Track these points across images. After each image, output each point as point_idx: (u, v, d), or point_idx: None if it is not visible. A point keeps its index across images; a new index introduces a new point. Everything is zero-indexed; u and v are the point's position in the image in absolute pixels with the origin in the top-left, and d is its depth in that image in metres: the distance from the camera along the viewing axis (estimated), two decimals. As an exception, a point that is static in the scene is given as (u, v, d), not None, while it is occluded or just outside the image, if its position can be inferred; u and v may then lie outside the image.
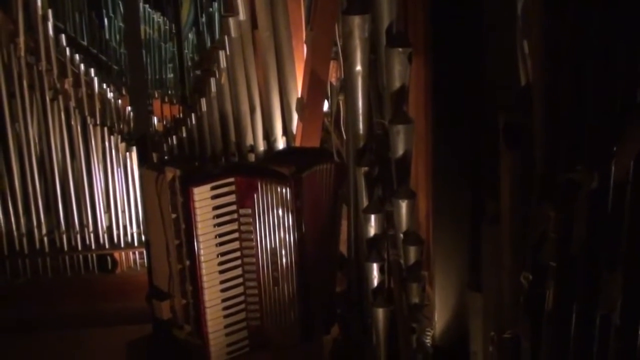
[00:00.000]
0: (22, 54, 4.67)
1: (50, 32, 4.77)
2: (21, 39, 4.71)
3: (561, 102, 1.43)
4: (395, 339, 2.46)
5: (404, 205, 2.28)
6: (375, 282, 2.50)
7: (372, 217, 2.46)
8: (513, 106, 1.60)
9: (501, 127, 1.53)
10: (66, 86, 4.78)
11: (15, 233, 4.79)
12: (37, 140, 4.74)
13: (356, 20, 2.35)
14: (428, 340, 2.39)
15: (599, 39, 1.33)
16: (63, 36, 5.04)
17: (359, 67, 2.42)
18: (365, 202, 2.50)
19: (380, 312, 2.46)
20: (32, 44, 4.80)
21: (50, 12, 4.84)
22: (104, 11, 7.20)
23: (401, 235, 2.31)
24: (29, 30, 4.80)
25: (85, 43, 6.69)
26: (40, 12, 4.75)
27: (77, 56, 4.98)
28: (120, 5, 7.30)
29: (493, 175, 1.72)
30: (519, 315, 1.62)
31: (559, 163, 1.44)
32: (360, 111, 2.49)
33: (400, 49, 2.24)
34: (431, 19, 2.37)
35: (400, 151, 2.28)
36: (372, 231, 2.48)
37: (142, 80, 4.28)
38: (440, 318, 2.39)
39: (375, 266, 2.47)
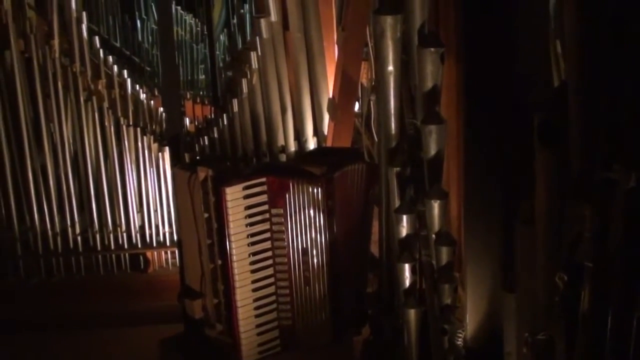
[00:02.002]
0: (57, 55, 4.72)
1: (84, 34, 4.82)
2: (56, 41, 4.76)
3: (597, 100, 1.42)
4: (426, 341, 2.45)
5: (436, 205, 2.27)
6: (407, 283, 2.49)
7: (404, 217, 2.45)
8: (548, 104, 1.59)
9: (536, 126, 1.52)
10: (100, 87, 4.82)
11: (49, 232, 4.84)
12: (71, 141, 4.79)
13: (388, 20, 2.34)
14: (460, 342, 2.38)
15: (635, 36, 1.32)
16: (97, 38, 5.09)
17: (390, 67, 2.41)
18: (397, 203, 2.49)
19: (411, 313, 2.45)
20: (67, 45, 4.84)
21: (84, 14, 4.89)
22: (137, 13, 7.25)
23: (433, 236, 2.30)
24: (64, 32, 4.85)
25: (118, 45, 6.74)
26: (74, 14, 4.80)
27: (110, 58, 5.02)
28: (153, 7, 7.35)
29: (526, 175, 1.71)
30: (554, 317, 1.61)
31: (595, 162, 1.43)
32: (392, 111, 2.48)
33: (432, 49, 2.24)
34: (463, 18, 2.36)
35: (432, 151, 2.27)
36: (403, 231, 2.47)
37: (174, 82, 4.31)
38: (472, 319, 2.38)
39: (407, 267, 2.46)
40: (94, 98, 4.74)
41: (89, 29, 4.94)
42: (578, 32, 1.49)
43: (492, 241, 2.35)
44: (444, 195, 2.27)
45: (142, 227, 4.87)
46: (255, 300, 3.07)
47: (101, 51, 4.96)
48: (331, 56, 4.50)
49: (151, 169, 4.79)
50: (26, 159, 4.74)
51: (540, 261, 1.60)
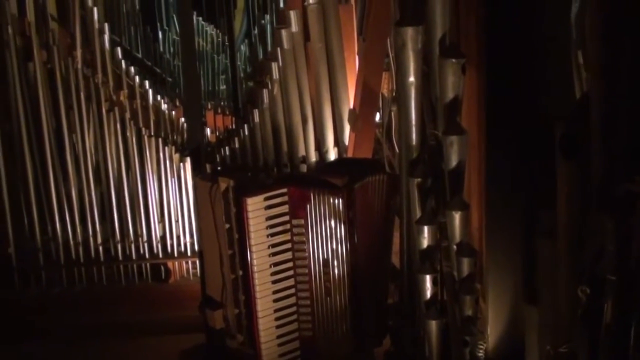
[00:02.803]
0: (79, 66, 4.75)
1: (107, 45, 4.85)
2: (78, 52, 4.79)
3: (619, 112, 1.42)
4: (447, 352, 2.44)
5: (457, 216, 2.27)
6: (428, 294, 2.48)
7: (425, 228, 2.45)
8: (570, 117, 1.59)
9: (558, 138, 1.51)
10: (121, 98, 4.84)
11: (71, 242, 4.86)
12: (93, 151, 4.81)
13: (409, 32, 2.35)
14: (481, 354, 2.37)
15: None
16: (119, 49, 5.12)
17: (411, 78, 2.41)
18: (418, 213, 2.49)
19: (432, 325, 2.44)
20: (89, 56, 4.87)
21: (106, 25, 4.92)
22: (159, 24, 7.29)
23: (454, 247, 2.30)
24: (86, 43, 4.88)
25: (140, 56, 6.77)
26: (96, 25, 4.83)
27: (132, 68, 5.05)
28: (174, 18, 7.39)
29: (548, 186, 1.70)
30: (576, 329, 1.60)
31: (617, 174, 1.42)
32: (413, 122, 2.48)
33: (453, 60, 2.24)
34: (484, 28, 2.36)
35: (453, 162, 2.27)
36: (425, 242, 2.46)
37: (196, 93, 4.32)
38: (493, 331, 2.37)
39: (428, 278, 2.46)
40: (116, 109, 4.76)
41: (111, 40, 4.97)
42: (600, 45, 1.49)
43: (513, 252, 2.34)
44: (465, 207, 2.27)
45: (163, 237, 4.88)
46: (276, 310, 3.07)
47: (123, 62, 4.99)
48: (352, 67, 4.51)
49: (172, 179, 4.80)
50: (48, 169, 4.77)
51: (562, 274, 1.60)
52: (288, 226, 3.05)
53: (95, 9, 4.88)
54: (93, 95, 4.75)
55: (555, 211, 1.66)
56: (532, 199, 2.27)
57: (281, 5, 6.31)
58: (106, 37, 4.85)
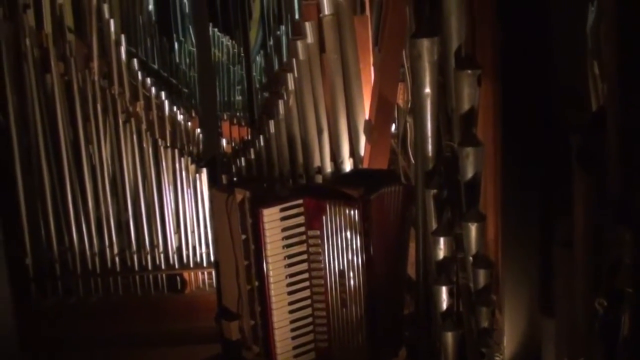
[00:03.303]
0: (96, 78, 4.78)
1: (123, 56, 4.88)
2: (95, 64, 4.82)
3: (636, 123, 1.41)
4: (464, 363, 2.44)
5: (473, 228, 2.27)
6: (445, 306, 2.48)
7: (441, 239, 2.45)
8: (587, 128, 1.59)
9: (575, 150, 1.51)
10: (138, 109, 4.86)
11: (88, 252, 4.88)
12: (109, 162, 4.83)
13: (425, 44, 2.36)
14: (497, 365, 2.37)
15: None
16: (135, 60, 5.15)
17: (427, 90, 2.42)
18: (434, 225, 2.49)
19: (449, 336, 2.44)
20: (106, 68, 4.90)
21: (122, 37, 4.95)
22: (174, 35, 7.32)
23: (470, 258, 2.30)
24: (103, 55, 4.91)
25: (156, 67, 6.81)
26: (113, 37, 4.86)
27: (148, 80, 5.07)
28: (190, 29, 7.42)
29: (564, 198, 1.70)
30: (593, 342, 1.60)
31: (634, 186, 1.42)
32: (429, 133, 2.49)
33: (469, 71, 2.24)
34: (500, 39, 2.36)
35: (469, 174, 2.28)
36: (441, 254, 2.46)
37: (212, 105, 4.34)
38: (509, 343, 2.37)
39: (444, 289, 2.46)
40: (133, 120, 4.79)
41: (127, 52, 5.00)
42: (617, 55, 1.49)
43: (529, 264, 2.34)
44: (482, 218, 2.27)
45: (179, 247, 4.89)
46: (292, 322, 3.07)
47: (139, 73, 5.01)
48: (367, 77, 4.52)
49: (188, 190, 4.81)
50: (65, 180, 4.79)
51: (579, 286, 1.59)
52: (304, 237, 3.05)
53: (112, 21, 4.91)
54: (110, 107, 4.78)
55: (571, 222, 1.65)
56: (548, 210, 2.26)
57: (296, 16, 6.35)
58: (123, 48, 4.88)
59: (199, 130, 5.16)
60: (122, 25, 6.46)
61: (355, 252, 3.00)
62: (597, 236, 1.53)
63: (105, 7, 5.05)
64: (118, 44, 4.88)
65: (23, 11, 4.71)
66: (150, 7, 7.03)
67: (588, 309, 1.57)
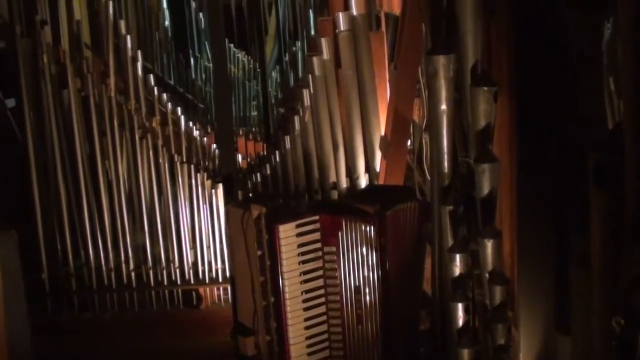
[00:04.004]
0: (113, 93, 4.81)
1: (139, 72, 4.91)
2: (112, 80, 4.85)
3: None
4: (480, 380, 2.43)
5: (489, 244, 2.26)
6: (460, 322, 2.47)
7: (457, 256, 2.45)
8: (603, 146, 1.58)
9: (592, 168, 1.51)
10: (154, 124, 4.89)
11: (104, 268, 4.89)
12: (126, 177, 4.85)
13: (441, 60, 2.36)
14: (514, 382, 2.36)
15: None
16: (151, 76, 5.17)
17: (443, 106, 2.42)
18: (450, 241, 2.49)
19: (465, 353, 2.43)
20: (122, 84, 4.93)
21: (139, 53, 4.98)
22: (190, 51, 7.36)
23: (486, 275, 2.30)
24: (119, 70, 4.94)
25: (172, 82, 6.84)
26: (130, 53, 4.89)
27: (164, 95, 5.10)
28: (206, 45, 7.45)
29: (580, 215, 1.70)
30: (610, 360, 1.59)
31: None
32: (445, 149, 2.49)
33: (485, 88, 2.25)
34: (516, 55, 2.36)
35: (485, 190, 2.28)
36: (457, 270, 2.46)
37: (228, 121, 4.35)
38: (526, 360, 2.36)
39: (460, 306, 2.45)
40: (149, 135, 4.81)
41: (143, 67, 5.03)
42: (633, 71, 1.49)
43: (545, 280, 2.33)
44: (498, 235, 2.26)
45: (194, 263, 4.90)
46: (308, 338, 3.07)
47: (155, 89, 5.04)
48: (383, 93, 4.53)
49: (204, 206, 4.82)
50: (82, 195, 4.81)
51: (596, 304, 1.59)
52: (320, 253, 3.05)
53: (128, 37, 4.95)
54: (126, 122, 4.80)
55: (588, 240, 1.65)
56: (564, 226, 2.26)
57: (312, 32, 6.37)
58: (139, 64, 4.91)
59: (214, 145, 5.17)
60: (139, 41, 6.50)
61: (371, 268, 3.00)
62: (615, 254, 1.53)
63: (122, 24, 5.10)
64: (134, 60, 4.91)
65: (41, 28, 4.75)
66: (167, 23, 7.07)
67: (605, 328, 1.56)
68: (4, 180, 4.80)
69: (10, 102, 5.09)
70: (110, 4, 5.01)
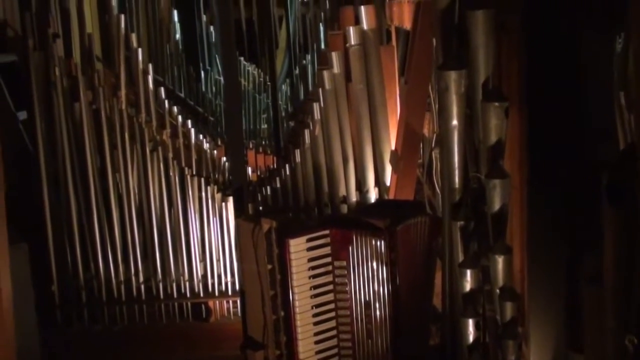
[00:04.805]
0: (124, 106, 4.82)
1: (150, 85, 4.92)
2: (123, 92, 4.86)
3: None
4: (491, 397, 2.42)
5: (500, 260, 2.26)
6: (471, 338, 2.46)
7: (468, 272, 2.44)
8: (616, 164, 1.58)
9: (604, 186, 1.51)
10: (164, 137, 4.90)
11: (113, 280, 4.89)
12: (136, 190, 4.86)
13: (452, 76, 2.36)
14: (524, 399, 2.35)
15: None
16: (162, 89, 5.19)
17: (454, 122, 2.42)
18: (460, 257, 2.48)
19: (475, 369, 2.42)
20: (133, 96, 4.95)
21: (150, 66, 5.00)
22: (201, 64, 7.39)
23: (497, 291, 2.29)
24: (130, 83, 4.96)
25: (182, 95, 6.86)
26: (140, 66, 4.91)
27: (175, 108, 5.11)
28: (216, 58, 7.48)
29: (591, 230, 1.69)
30: (623, 379, 1.58)
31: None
32: (456, 165, 2.49)
33: (496, 104, 2.25)
34: (526, 71, 2.36)
35: (496, 206, 2.27)
36: (467, 286, 2.45)
37: (239, 134, 4.35)
38: (536, 377, 2.35)
39: (471, 322, 2.44)
40: (160, 148, 4.82)
41: (154, 80, 5.05)
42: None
43: (556, 296, 2.33)
44: (509, 251, 2.26)
45: (204, 276, 4.89)
46: (318, 352, 3.07)
47: (166, 102, 5.05)
48: (393, 107, 4.54)
49: (214, 219, 4.83)
50: (92, 208, 4.82)
51: (609, 322, 1.58)
52: (330, 267, 3.06)
53: (139, 50, 4.96)
54: (137, 135, 4.81)
55: (600, 257, 1.64)
56: (575, 242, 2.25)
57: (322, 45, 6.39)
58: (150, 77, 4.93)
59: (224, 158, 5.18)
60: (150, 54, 6.53)
61: (381, 282, 3.00)
62: (628, 272, 1.52)
63: (133, 37, 5.12)
64: (145, 72, 4.92)
65: (53, 41, 4.77)
66: (177, 36, 7.10)
67: (618, 346, 1.55)
68: (15, 193, 4.81)
69: (22, 115, 5.10)
70: (122, 17, 5.04)
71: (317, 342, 3.06)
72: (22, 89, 4.88)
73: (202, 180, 4.83)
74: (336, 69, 4.51)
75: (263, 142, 7.09)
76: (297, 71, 7.39)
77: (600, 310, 1.62)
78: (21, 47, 4.91)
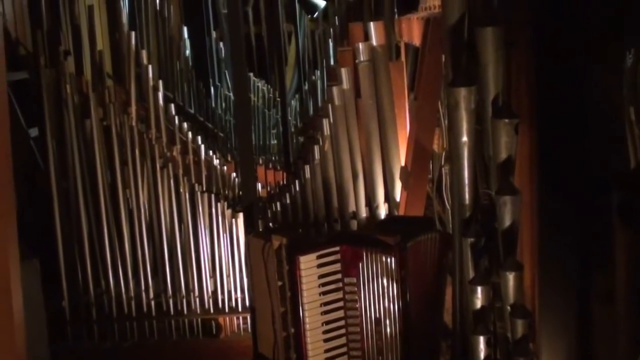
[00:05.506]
0: (134, 122, 4.83)
1: (160, 101, 4.94)
2: (133, 108, 4.88)
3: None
4: (502, 414, 2.41)
5: (511, 277, 2.26)
6: (482, 356, 2.46)
7: (479, 288, 2.44)
8: (628, 183, 1.58)
9: (616, 205, 1.51)
10: (174, 153, 4.91)
11: (124, 296, 4.90)
12: (146, 206, 4.87)
13: (462, 92, 2.37)
14: (536, 416, 2.34)
15: None
16: (172, 105, 5.21)
17: (465, 138, 2.43)
18: (471, 274, 2.48)
19: (487, 386, 2.42)
20: (143, 112, 4.96)
21: (160, 82, 5.02)
22: (211, 80, 7.41)
23: (508, 308, 2.28)
24: (141, 100, 4.98)
25: (192, 111, 6.88)
26: (151, 82, 4.93)
27: (185, 124, 5.13)
28: (226, 74, 7.50)
29: (602, 248, 1.69)
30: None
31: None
32: (466, 181, 2.49)
33: (506, 120, 2.25)
34: (536, 87, 2.37)
35: (507, 222, 2.27)
36: (478, 303, 2.45)
37: (249, 151, 4.36)
38: (548, 393, 2.34)
39: (481, 339, 2.44)
40: (170, 165, 4.83)
41: (164, 97, 5.07)
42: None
43: (567, 313, 2.32)
44: (519, 267, 2.26)
45: (214, 292, 4.89)
46: (328, 369, 3.06)
47: (176, 118, 5.07)
48: (402, 123, 4.54)
49: (224, 235, 4.83)
50: (103, 224, 4.84)
51: (621, 342, 1.58)
52: (340, 284, 3.05)
53: (150, 67, 4.98)
54: (147, 152, 4.83)
55: (612, 275, 1.64)
56: (585, 259, 2.25)
57: (331, 61, 6.40)
58: (160, 93, 4.94)
59: (234, 174, 5.19)
60: (160, 70, 6.55)
61: (391, 299, 2.99)
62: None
63: (144, 53, 5.15)
64: (156, 89, 4.94)
65: (64, 58, 4.80)
66: (187, 52, 7.13)
67: (630, 364, 1.55)
68: (27, 209, 4.82)
69: (34, 131, 5.13)
70: (133, 34, 5.06)
71: (327, 359, 3.05)
72: (34, 106, 4.91)
73: (212, 196, 4.84)
74: (345, 84, 4.52)
75: (273, 158, 7.10)
76: (306, 87, 7.40)
77: (612, 328, 1.61)
78: (33, 65, 4.94)
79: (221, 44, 7.68)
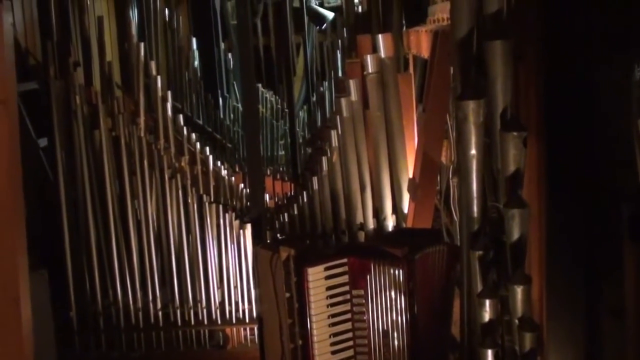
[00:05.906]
0: (143, 133, 4.85)
1: (169, 112, 4.96)
2: (142, 119, 4.90)
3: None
4: None
5: (519, 290, 2.25)
6: (490, 369, 2.45)
7: (487, 302, 2.43)
8: (636, 197, 1.58)
9: (626, 219, 1.51)
10: (183, 164, 4.92)
11: (131, 307, 4.91)
12: (155, 217, 4.88)
13: (471, 105, 2.37)
14: None
15: None
16: (181, 116, 5.22)
17: (473, 151, 2.42)
18: (479, 287, 2.48)
19: (494, 399, 2.41)
20: (152, 123, 4.98)
21: (169, 93, 5.04)
22: (219, 91, 7.43)
23: (516, 321, 2.28)
24: (149, 110, 5.00)
25: (201, 122, 6.90)
26: (160, 93, 4.95)
27: (193, 135, 5.14)
28: (235, 85, 7.53)
29: (612, 262, 1.69)
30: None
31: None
32: (475, 194, 2.48)
33: (515, 133, 2.25)
34: (544, 100, 2.37)
35: (515, 235, 2.27)
36: (486, 316, 2.44)
37: (257, 162, 4.37)
38: (556, 408, 2.33)
39: (489, 352, 2.43)
40: (178, 175, 4.84)
41: (173, 107, 5.08)
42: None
43: (575, 327, 2.31)
44: (528, 281, 2.25)
45: (222, 303, 4.90)
46: (336, 381, 3.06)
47: (185, 128, 5.08)
48: (410, 135, 4.54)
49: (232, 245, 4.84)
50: (111, 234, 4.85)
51: (630, 356, 1.57)
52: (348, 296, 3.05)
53: (158, 78, 5.00)
54: (156, 162, 4.84)
55: (621, 288, 1.64)
56: (594, 272, 2.25)
57: (339, 73, 6.42)
58: (169, 104, 4.96)
59: (242, 185, 5.20)
60: (169, 81, 6.58)
61: (399, 312, 2.99)
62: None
63: (153, 64, 5.18)
64: (164, 100, 4.96)
65: (73, 69, 4.83)
66: (196, 63, 7.15)
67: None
68: (35, 219, 4.84)
69: (43, 142, 5.15)
70: (142, 45, 5.08)
71: (335, 371, 3.05)
72: (43, 116, 4.93)
73: (220, 207, 4.85)
74: (354, 96, 4.53)
75: (280, 169, 7.11)
76: (314, 98, 7.42)
77: (620, 342, 1.61)
78: (42, 75, 4.97)
79: (230, 55, 7.72)
